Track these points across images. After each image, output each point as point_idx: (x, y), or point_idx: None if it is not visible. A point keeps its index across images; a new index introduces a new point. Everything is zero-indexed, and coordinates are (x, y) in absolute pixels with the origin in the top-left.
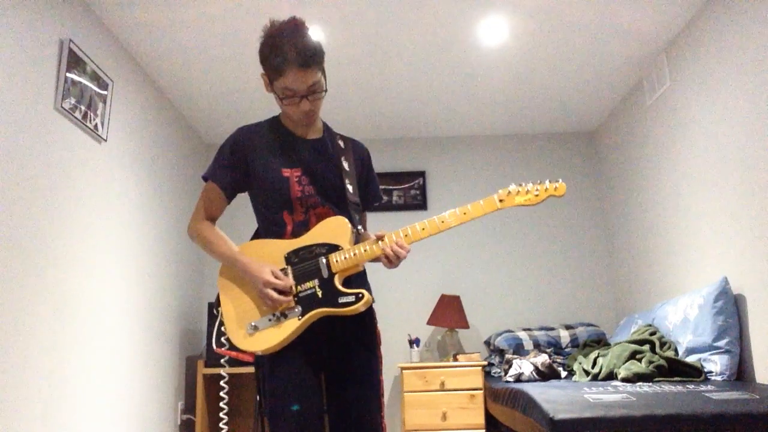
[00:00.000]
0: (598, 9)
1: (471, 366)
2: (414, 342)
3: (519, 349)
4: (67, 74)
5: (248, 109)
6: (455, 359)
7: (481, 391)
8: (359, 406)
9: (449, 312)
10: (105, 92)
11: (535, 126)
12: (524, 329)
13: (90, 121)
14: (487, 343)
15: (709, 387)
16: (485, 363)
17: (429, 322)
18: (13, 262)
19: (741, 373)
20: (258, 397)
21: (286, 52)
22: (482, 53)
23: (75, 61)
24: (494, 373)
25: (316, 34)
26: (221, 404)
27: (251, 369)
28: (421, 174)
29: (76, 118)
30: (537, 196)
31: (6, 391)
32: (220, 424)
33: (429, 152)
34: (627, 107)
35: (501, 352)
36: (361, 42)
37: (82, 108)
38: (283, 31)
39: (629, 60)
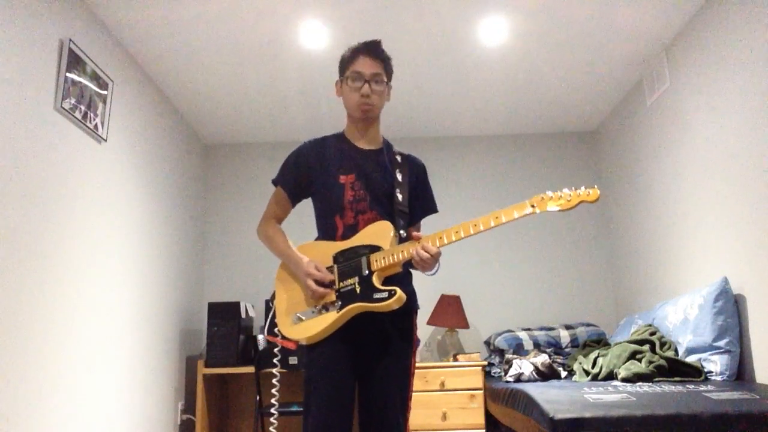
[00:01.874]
0: (598, 9)
1: (471, 366)
2: None
3: (519, 349)
4: (67, 74)
5: (248, 109)
6: (455, 359)
7: (481, 391)
8: (385, 405)
9: (449, 312)
10: (105, 92)
11: (535, 126)
12: (524, 329)
13: (90, 121)
14: (487, 343)
15: (709, 387)
16: (485, 363)
17: (429, 322)
18: (12, 262)
19: (741, 373)
20: (258, 397)
21: (359, 46)
22: (482, 53)
23: (75, 61)
24: (494, 373)
25: (316, 33)
26: (273, 401)
27: (252, 369)
28: None
29: (76, 118)
30: (569, 201)
31: (6, 391)
32: (271, 420)
33: (429, 152)
34: (627, 107)
35: (501, 352)
36: (361, 42)
37: (82, 108)
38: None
39: (629, 60)
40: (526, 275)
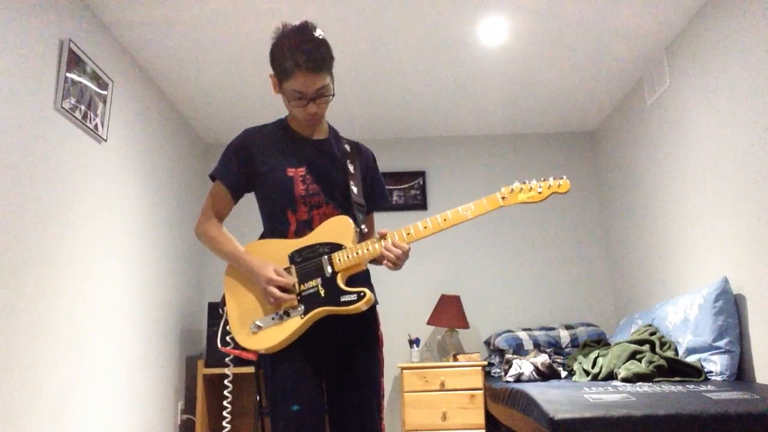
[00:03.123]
0: (598, 9)
1: (471, 366)
2: (414, 342)
3: (519, 349)
4: (67, 74)
5: (248, 109)
6: (455, 359)
7: (481, 391)
8: (359, 408)
9: (449, 312)
10: (105, 92)
11: (535, 126)
12: (524, 329)
13: (90, 121)
14: (487, 343)
15: (709, 387)
16: (485, 363)
17: (429, 322)
18: (12, 262)
19: (741, 373)
20: (258, 397)
21: (296, 56)
22: (482, 53)
23: (75, 61)
24: (494, 373)
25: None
26: (225, 403)
27: (252, 369)
28: (421, 174)
29: (76, 118)
30: (540, 193)
31: (6, 391)
32: (223, 423)
33: (429, 152)
34: (627, 107)
35: (501, 352)
36: (361, 42)
37: (82, 108)
38: (293, 34)
39: (629, 60)
40: (526, 275)
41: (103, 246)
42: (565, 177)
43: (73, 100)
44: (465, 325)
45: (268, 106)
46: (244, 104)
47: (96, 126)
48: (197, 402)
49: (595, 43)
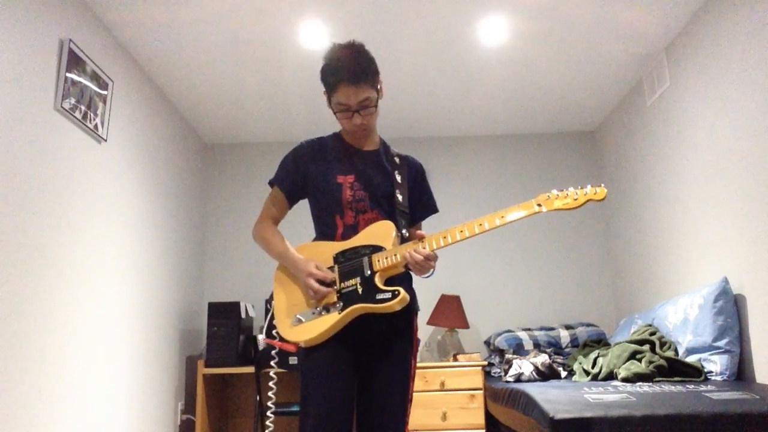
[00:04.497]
0: (598, 9)
1: (471, 366)
2: None
3: (519, 349)
4: (67, 74)
5: (248, 109)
6: (455, 359)
7: (481, 391)
8: (386, 410)
9: (449, 312)
10: (105, 92)
11: (535, 126)
12: (524, 329)
13: (90, 121)
14: (487, 343)
15: (709, 387)
16: (485, 363)
17: (429, 322)
18: (12, 262)
19: (741, 373)
20: (258, 397)
21: (339, 70)
22: (482, 53)
23: (75, 61)
24: (494, 373)
25: (316, 33)
26: (269, 404)
27: (252, 369)
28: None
29: (76, 118)
30: (576, 200)
31: (6, 391)
32: (267, 423)
33: (429, 152)
34: (627, 107)
35: (501, 352)
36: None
37: (82, 108)
38: (339, 51)
39: (629, 60)
40: (526, 275)
41: (103, 246)
42: (602, 185)
43: (73, 100)
44: (465, 325)
45: (268, 106)
46: (244, 104)
47: (96, 126)
48: (197, 402)
49: (595, 43)
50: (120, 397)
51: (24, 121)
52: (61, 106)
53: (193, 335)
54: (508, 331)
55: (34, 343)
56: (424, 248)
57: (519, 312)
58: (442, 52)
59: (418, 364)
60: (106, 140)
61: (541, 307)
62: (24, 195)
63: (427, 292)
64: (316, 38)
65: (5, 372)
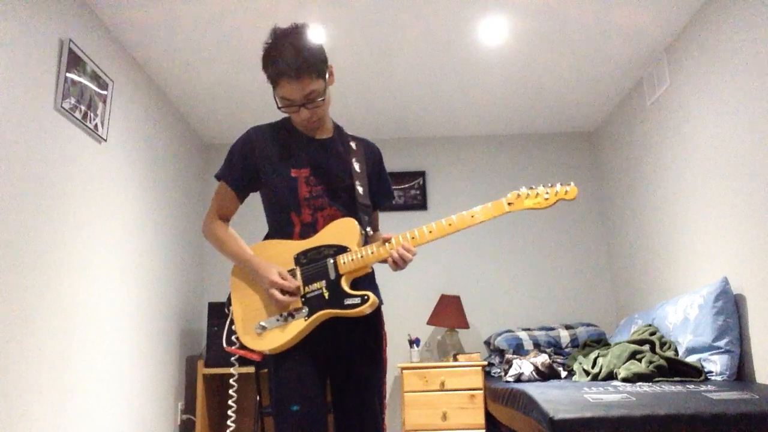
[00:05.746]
0: (598, 9)
1: (471, 366)
2: (414, 342)
3: (519, 349)
4: (67, 74)
5: (248, 109)
6: (455, 359)
7: (481, 391)
8: (363, 409)
9: (449, 312)
10: (105, 92)
11: (535, 126)
12: (524, 329)
13: (90, 121)
14: (487, 343)
15: (709, 387)
16: (485, 363)
17: (429, 322)
18: (12, 262)
19: (741, 373)
20: (258, 397)
21: (279, 62)
22: (482, 53)
23: (75, 61)
24: (494, 373)
25: (316, 34)
26: (230, 402)
27: (252, 369)
28: (421, 174)
29: (76, 118)
30: (547, 199)
31: (5, 391)
32: (228, 422)
33: (429, 152)
34: (627, 107)
35: (501, 352)
36: (361, 42)
37: (82, 108)
38: (280, 40)
39: (629, 60)
40: (527, 275)
41: (103, 246)
42: (572, 183)
43: (73, 100)
44: (465, 325)
45: (268, 106)
46: (244, 104)
47: (96, 126)
48: (197, 402)
49: (595, 43)
50: (120, 397)
51: (24, 121)
52: (61, 106)
53: (193, 335)
54: (508, 331)
55: (33, 343)
56: (406, 246)
57: (519, 312)
58: (442, 52)
59: (418, 364)
60: (106, 140)
61: (541, 307)
62: (24, 195)
63: (427, 292)
64: (315, 39)
65: (5, 372)
